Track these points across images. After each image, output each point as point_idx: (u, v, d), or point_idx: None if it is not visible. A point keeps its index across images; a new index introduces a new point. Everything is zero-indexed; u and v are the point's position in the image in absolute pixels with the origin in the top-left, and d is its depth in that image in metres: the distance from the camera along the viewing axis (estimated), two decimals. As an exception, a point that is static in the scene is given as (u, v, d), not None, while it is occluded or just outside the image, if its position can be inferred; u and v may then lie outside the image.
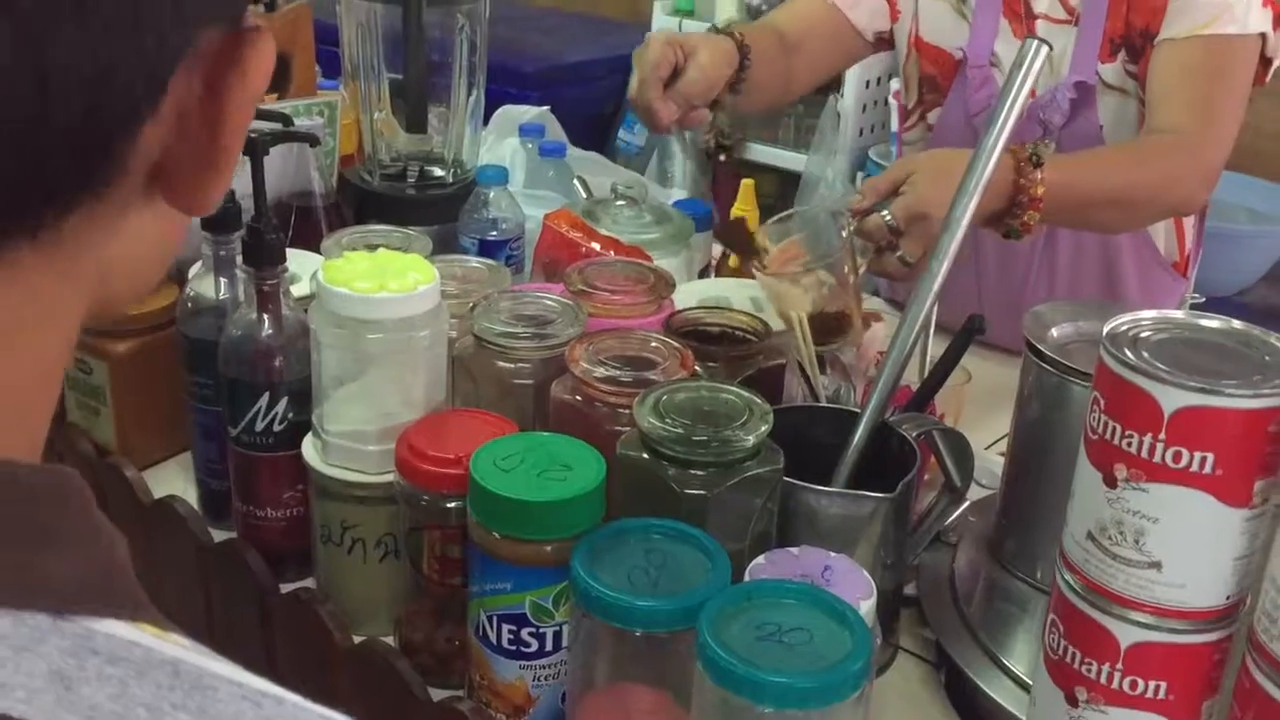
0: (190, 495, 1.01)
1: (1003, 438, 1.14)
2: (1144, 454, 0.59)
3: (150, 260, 0.41)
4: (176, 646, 0.33)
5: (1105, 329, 0.62)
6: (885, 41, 1.44)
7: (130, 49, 0.32)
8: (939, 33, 1.37)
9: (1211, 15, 1.22)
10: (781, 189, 2.93)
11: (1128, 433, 0.60)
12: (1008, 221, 1.15)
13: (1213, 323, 0.63)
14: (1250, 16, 1.23)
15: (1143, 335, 0.62)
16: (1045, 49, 0.92)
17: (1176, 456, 0.58)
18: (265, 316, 0.90)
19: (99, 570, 0.33)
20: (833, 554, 0.76)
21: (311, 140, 1.13)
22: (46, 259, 0.34)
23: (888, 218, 1.09)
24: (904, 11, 1.40)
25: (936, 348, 1.03)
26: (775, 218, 1.09)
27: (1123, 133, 1.30)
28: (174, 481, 1.06)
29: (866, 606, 0.71)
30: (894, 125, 1.54)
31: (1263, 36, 1.24)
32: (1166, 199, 1.27)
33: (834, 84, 2.72)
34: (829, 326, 1.02)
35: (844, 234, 1.04)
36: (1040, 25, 1.31)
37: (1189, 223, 1.42)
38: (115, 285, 0.39)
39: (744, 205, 1.37)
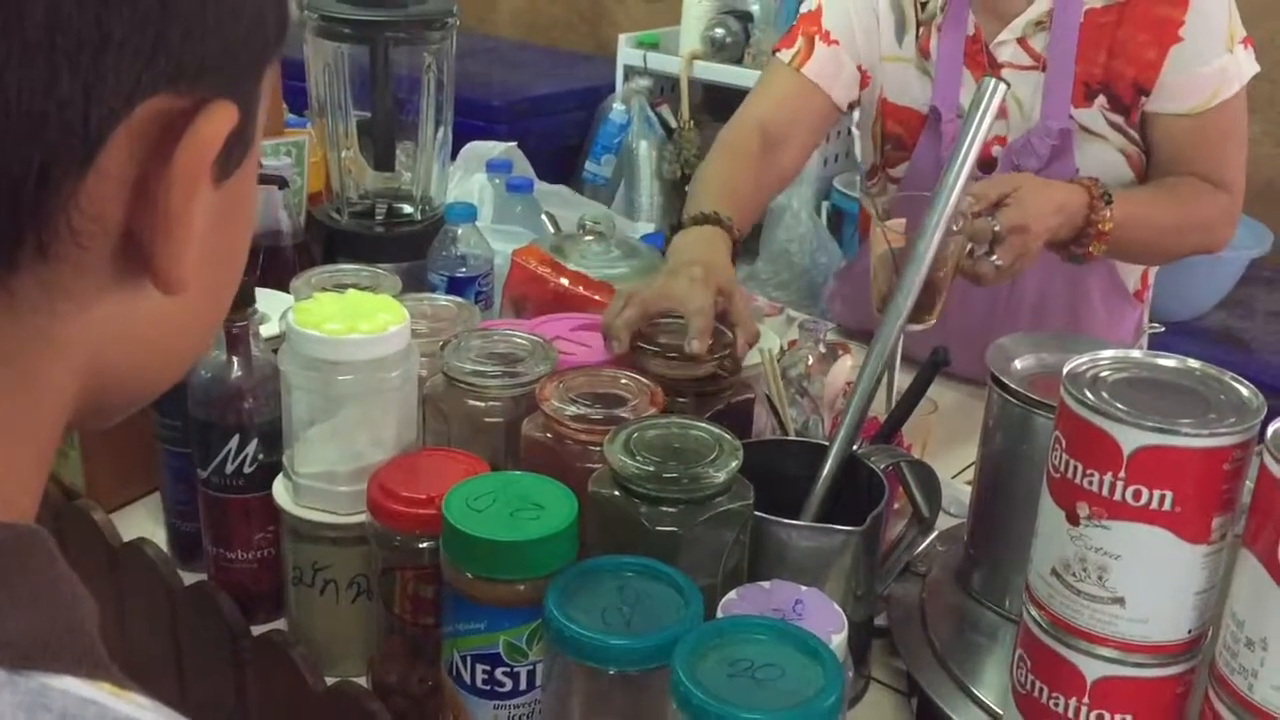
0: (159, 537, 1.01)
1: (969, 466, 1.16)
2: (1105, 492, 0.61)
3: (154, 348, 0.40)
4: (133, 706, 0.33)
5: (1065, 369, 0.64)
6: (854, 105, 1.46)
7: (48, 99, 0.32)
8: (903, 93, 1.39)
9: (1214, 87, 1.28)
10: (748, 219, 2.95)
11: (1089, 471, 0.61)
12: (1073, 250, 1.23)
13: (1169, 362, 0.65)
14: (1242, 69, 1.29)
15: (1102, 375, 0.64)
16: (1004, 87, 0.94)
17: (1136, 494, 0.60)
18: (235, 358, 0.90)
19: (59, 627, 0.33)
20: (804, 588, 0.77)
21: (280, 183, 1.14)
22: (4, 318, 0.34)
23: (995, 225, 1.15)
24: (874, 78, 1.42)
25: (902, 379, 1.04)
26: (887, 195, 1.14)
27: (1103, 180, 1.32)
28: (143, 524, 1.05)
29: (838, 640, 0.72)
30: (858, 155, 1.56)
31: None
32: (1205, 239, 1.37)
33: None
34: (917, 303, 1.06)
35: (955, 228, 1.10)
36: (1006, 74, 1.32)
37: None
38: (114, 371, 0.39)
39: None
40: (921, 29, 1.36)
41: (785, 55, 1.41)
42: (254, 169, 0.43)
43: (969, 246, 1.14)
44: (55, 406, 0.38)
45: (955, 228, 1.11)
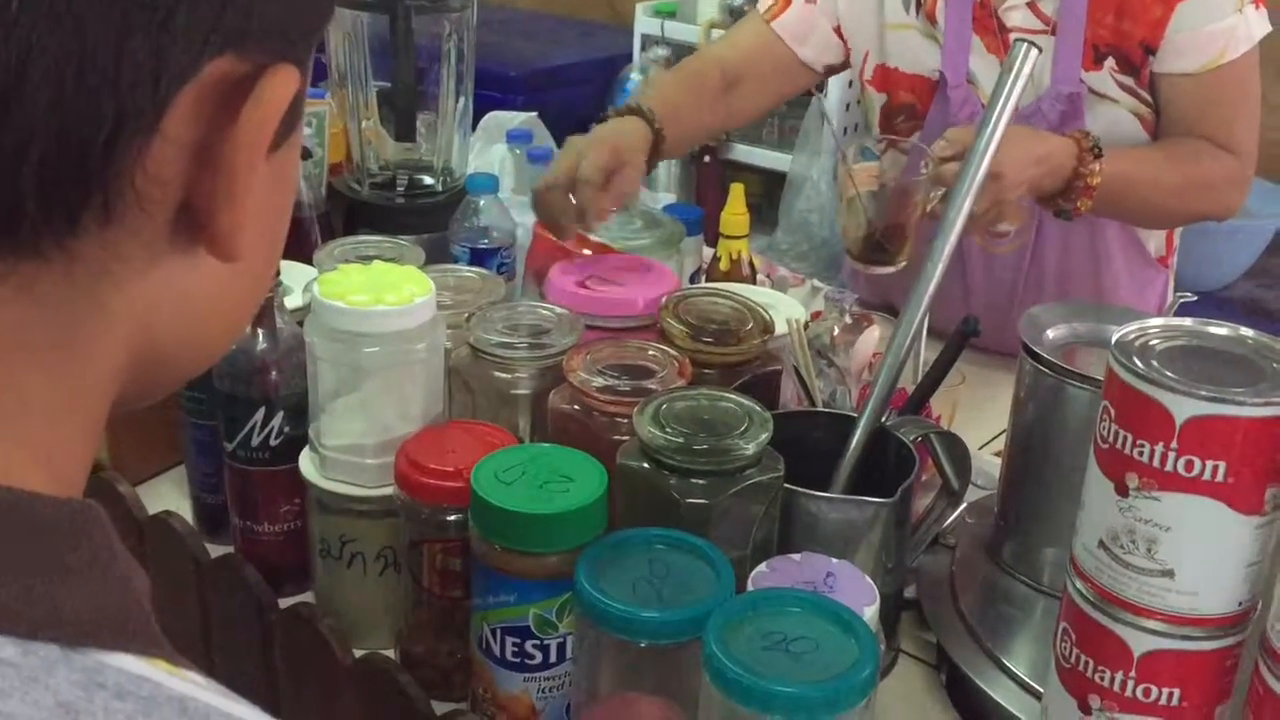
0: (185, 510, 1.01)
1: (996, 437, 1.15)
2: (1156, 463, 0.60)
3: (204, 320, 0.40)
4: (189, 684, 0.33)
5: (1114, 338, 0.63)
6: (836, 70, 1.44)
7: (121, 58, 0.32)
8: (912, 61, 1.36)
9: (1221, 46, 1.24)
10: (766, 189, 2.93)
11: (1139, 442, 0.60)
12: (1060, 203, 1.20)
13: (1221, 330, 0.64)
14: (1252, 29, 1.26)
15: (1151, 344, 0.62)
16: (1035, 51, 0.92)
17: (1189, 465, 0.59)
18: (260, 330, 0.90)
19: (113, 604, 0.33)
20: (835, 560, 0.76)
21: (304, 153, 1.13)
22: (62, 284, 0.34)
23: None
24: (855, 50, 1.39)
25: (928, 352, 1.03)
26: (858, 139, 1.15)
27: (1114, 142, 1.30)
28: (169, 496, 1.05)
29: (870, 613, 0.72)
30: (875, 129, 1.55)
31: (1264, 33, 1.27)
32: (1209, 202, 1.32)
33: (817, 84, 2.73)
34: (877, 245, 1.10)
35: (924, 170, 1.12)
36: (1015, 39, 1.30)
37: None
38: (163, 343, 0.38)
39: (735, 209, 1.37)
40: None
41: (763, 4, 1.41)
42: (300, 140, 0.42)
43: (940, 190, 1.12)
44: (107, 378, 0.37)
45: (924, 170, 1.11)
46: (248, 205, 0.36)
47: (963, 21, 1.31)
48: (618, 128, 1.21)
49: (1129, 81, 1.28)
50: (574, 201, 1.13)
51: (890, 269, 1.14)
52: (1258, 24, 1.26)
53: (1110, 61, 1.28)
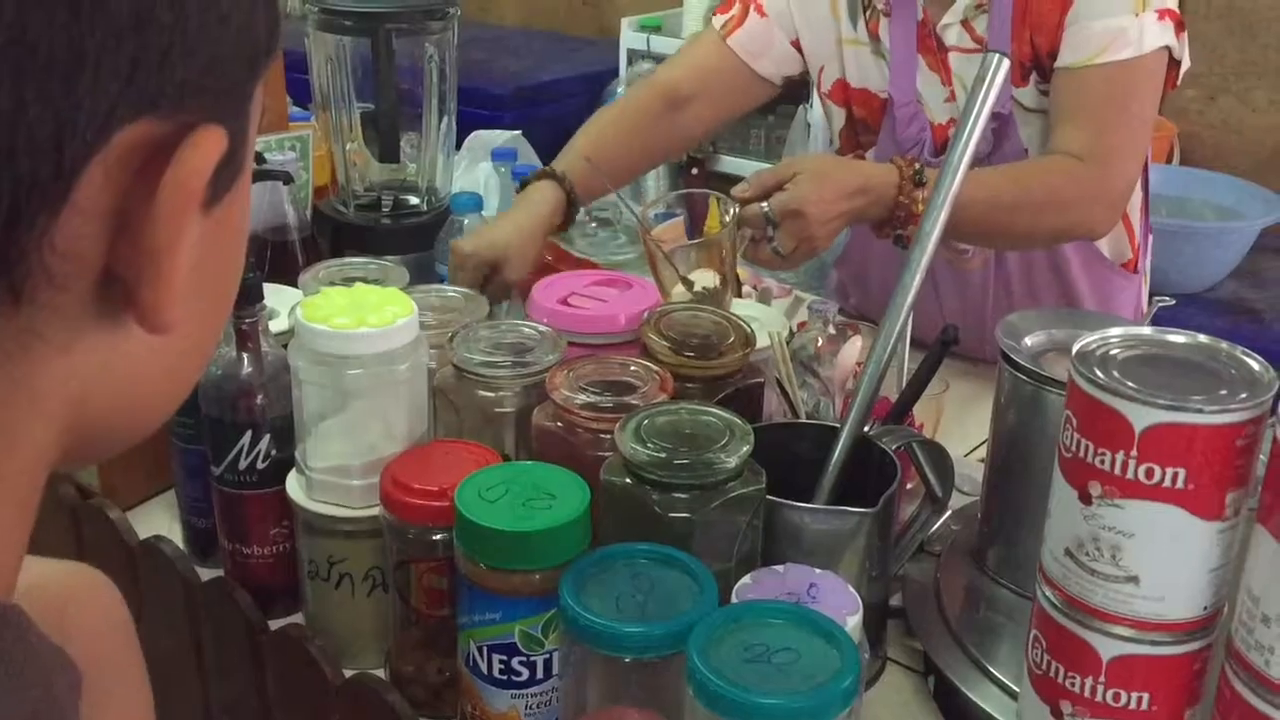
0: (175, 534, 1.01)
1: (980, 445, 1.16)
2: (1117, 471, 0.60)
3: (141, 392, 0.37)
4: None
5: (1074, 348, 0.64)
6: (795, 79, 1.45)
7: (16, 130, 0.29)
8: (863, 77, 1.37)
9: (1103, 44, 1.20)
10: (755, 200, 2.94)
11: (1100, 450, 0.61)
12: (888, 231, 1.21)
13: (1179, 338, 0.64)
14: (1145, 37, 1.20)
15: (1111, 353, 0.63)
16: (1006, 62, 0.93)
17: (1149, 473, 0.60)
18: (245, 355, 0.91)
19: (24, 715, 0.32)
20: (818, 570, 0.77)
21: (285, 178, 1.14)
22: None
23: (766, 209, 1.16)
24: (813, 64, 1.40)
25: (911, 362, 1.04)
26: (654, 203, 1.17)
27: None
28: (159, 521, 1.06)
29: (853, 622, 0.72)
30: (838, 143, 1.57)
31: (1167, 49, 1.22)
32: (1066, 219, 1.26)
33: (803, 94, 2.74)
34: (702, 297, 1.11)
35: (727, 217, 1.15)
36: (952, 57, 1.31)
37: (1135, 220, 1.41)
38: (99, 416, 0.36)
39: (714, 222, 1.37)
40: (868, 13, 1.34)
41: (719, 20, 1.42)
42: (246, 191, 0.39)
43: (748, 232, 1.16)
44: (35, 459, 0.35)
45: (726, 216, 1.15)
46: (175, 274, 0.34)
47: (907, 41, 1.32)
48: (529, 202, 1.27)
49: (1048, 91, 1.28)
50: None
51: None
52: (1155, 33, 1.20)
53: (1034, 75, 1.28)
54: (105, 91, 0.30)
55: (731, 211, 1.14)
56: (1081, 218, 1.26)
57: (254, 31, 0.35)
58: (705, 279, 1.12)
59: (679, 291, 1.11)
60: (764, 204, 1.16)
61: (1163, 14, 1.21)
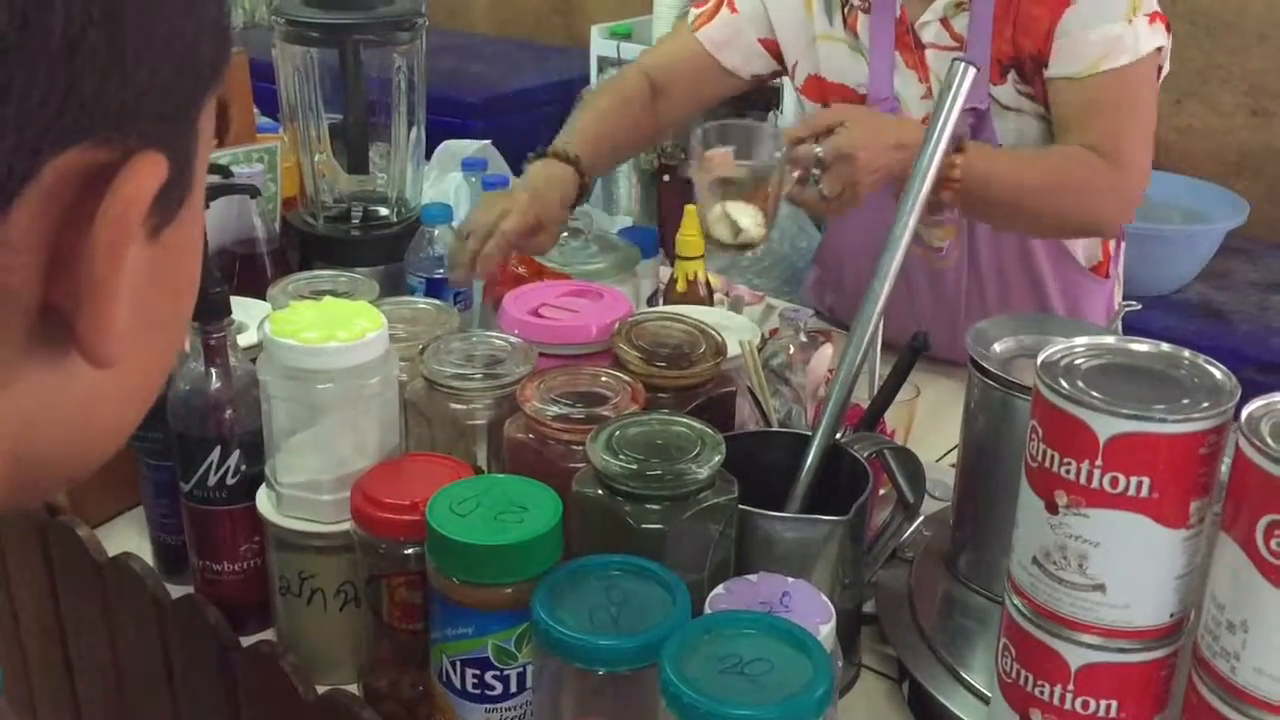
0: (145, 551, 1.00)
1: (952, 449, 1.16)
2: (1082, 480, 0.61)
3: (87, 427, 0.36)
4: None
5: (1039, 358, 0.64)
6: (765, 79, 1.47)
7: None
8: (840, 72, 1.38)
9: (1101, 52, 1.23)
10: (727, 206, 2.94)
11: (1066, 460, 0.61)
12: None
13: (1143, 346, 0.65)
14: (1140, 42, 1.23)
15: (1076, 363, 0.64)
16: (973, 70, 0.94)
17: (1114, 482, 0.60)
18: (213, 370, 0.90)
19: None
20: (791, 579, 0.77)
21: (251, 191, 1.13)
22: None
23: (818, 150, 1.15)
24: (787, 59, 1.42)
25: (882, 367, 1.05)
26: (712, 123, 1.16)
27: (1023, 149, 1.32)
28: (128, 538, 1.05)
29: (826, 630, 0.72)
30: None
31: (1159, 49, 1.25)
32: (1083, 209, 1.29)
33: (774, 99, 2.75)
34: (734, 226, 1.13)
35: (778, 154, 1.14)
36: (930, 54, 1.32)
37: None
38: (42, 453, 0.35)
39: (689, 230, 1.38)
40: (846, 8, 1.36)
41: (692, 14, 1.46)
42: (197, 213, 0.37)
43: (795, 173, 1.15)
44: None
45: (778, 153, 1.14)
46: (116, 308, 0.32)
47: (885, 37, 1.33)
48: (549, 177, 1.26)
49: (1029, 92, 1.29)
50: (473, 247, 1.18)
51: (749, 251, 1.16)
52: (1148, 37, 1.23)
53: (1013, 74, 1.29)
54: (33, 123, 0.29)
55: (782, 148, 1.13)
56: (1098, 210, 1.29)
57: (198, 57, 0.34)
58: (746, 217, 1.12)
59: (719, 227, 1.11)
60: (816, 145, 1.15)
61: (1152, 17, 1.25)
